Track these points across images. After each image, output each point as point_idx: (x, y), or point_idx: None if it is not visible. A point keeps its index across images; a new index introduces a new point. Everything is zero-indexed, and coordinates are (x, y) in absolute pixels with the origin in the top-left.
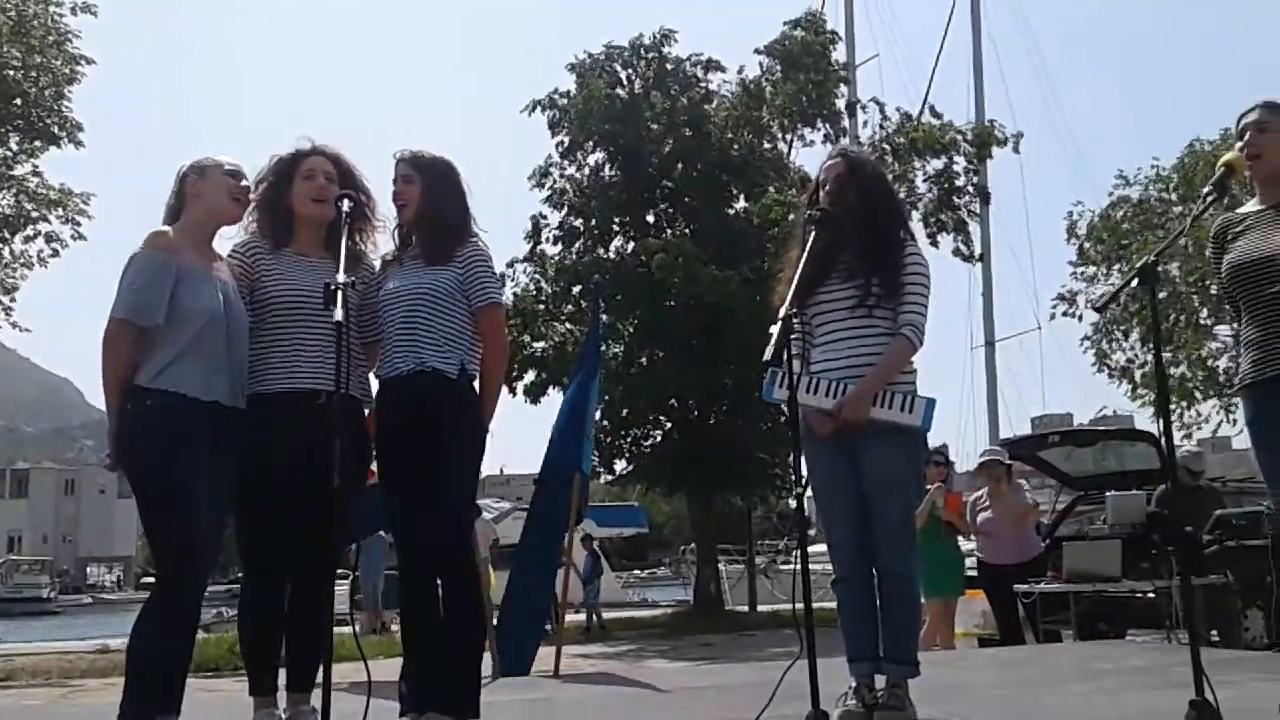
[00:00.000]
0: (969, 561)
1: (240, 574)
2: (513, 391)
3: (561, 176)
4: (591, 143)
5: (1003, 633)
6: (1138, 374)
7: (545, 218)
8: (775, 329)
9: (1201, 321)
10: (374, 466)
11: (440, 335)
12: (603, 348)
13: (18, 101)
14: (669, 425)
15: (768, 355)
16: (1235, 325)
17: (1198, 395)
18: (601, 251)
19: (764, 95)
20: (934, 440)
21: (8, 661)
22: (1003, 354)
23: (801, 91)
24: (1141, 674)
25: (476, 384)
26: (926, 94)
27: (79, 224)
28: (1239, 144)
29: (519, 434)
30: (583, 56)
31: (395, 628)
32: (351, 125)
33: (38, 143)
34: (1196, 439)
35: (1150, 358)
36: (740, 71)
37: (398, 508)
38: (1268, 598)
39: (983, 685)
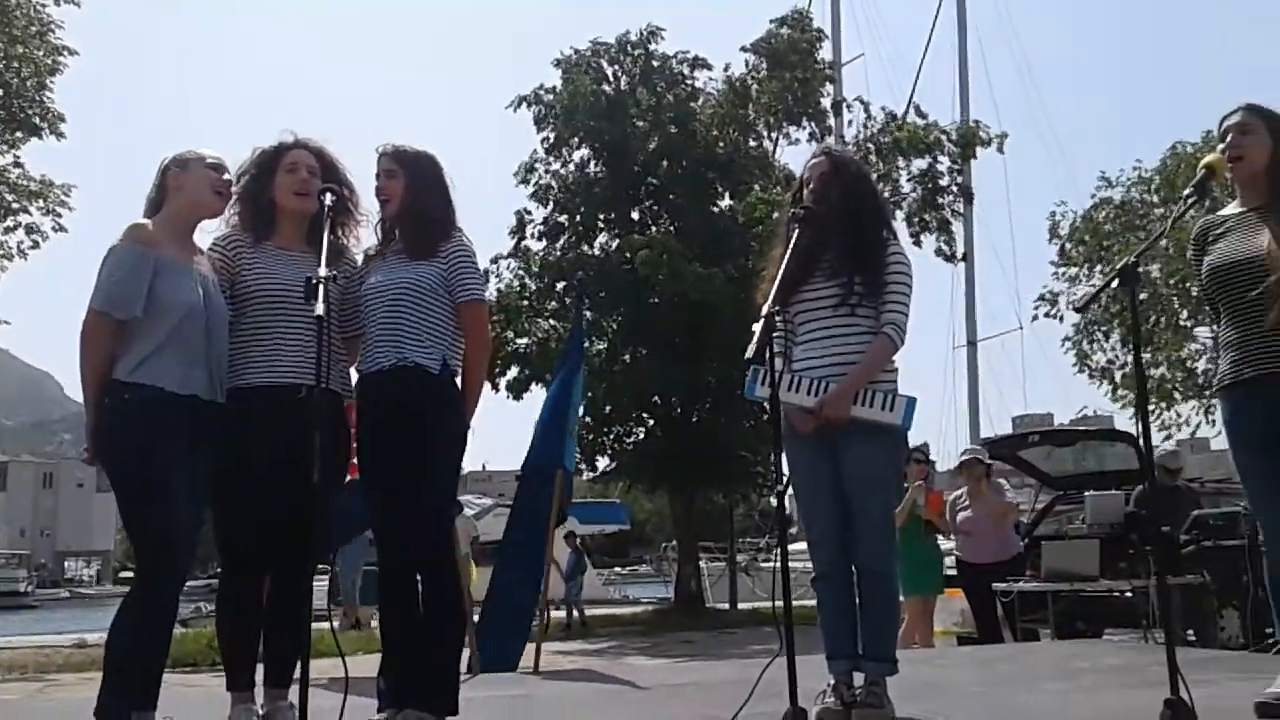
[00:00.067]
0: (948, 560)
1: (218, 569)
2: (495, 387)
3: (547, 172)
4: (577, 139)
5: (981, 631)
6: (1118, 375)
7: (530, 213)
8: (758, 327)
9: (1182, 323)
10: (354, 462)
11: (423, 330)
12: (586, 344)
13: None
14: (652, 422)
15: (750, 353)
16: (1215, 327)
17: (1177, 396)
18: (586, 248)
19: (750, 93)
20: (915, 439)
21: None
22: (984, 354)
23: (787, 90)
24: (1118, 673)
25: (459, 380)
26: (911, 94)
27: (60, 216)
28: (1221, 146)
29: (501, 430)
30: (569, 52)
31: (375, 624)
32: (336, 119)
33: (19, 133)
34: (1176, 440)
35: (1131, 358)
36: (726, 69)
37: (378, 503)
38: (1244, 598)
39: (961, 683)
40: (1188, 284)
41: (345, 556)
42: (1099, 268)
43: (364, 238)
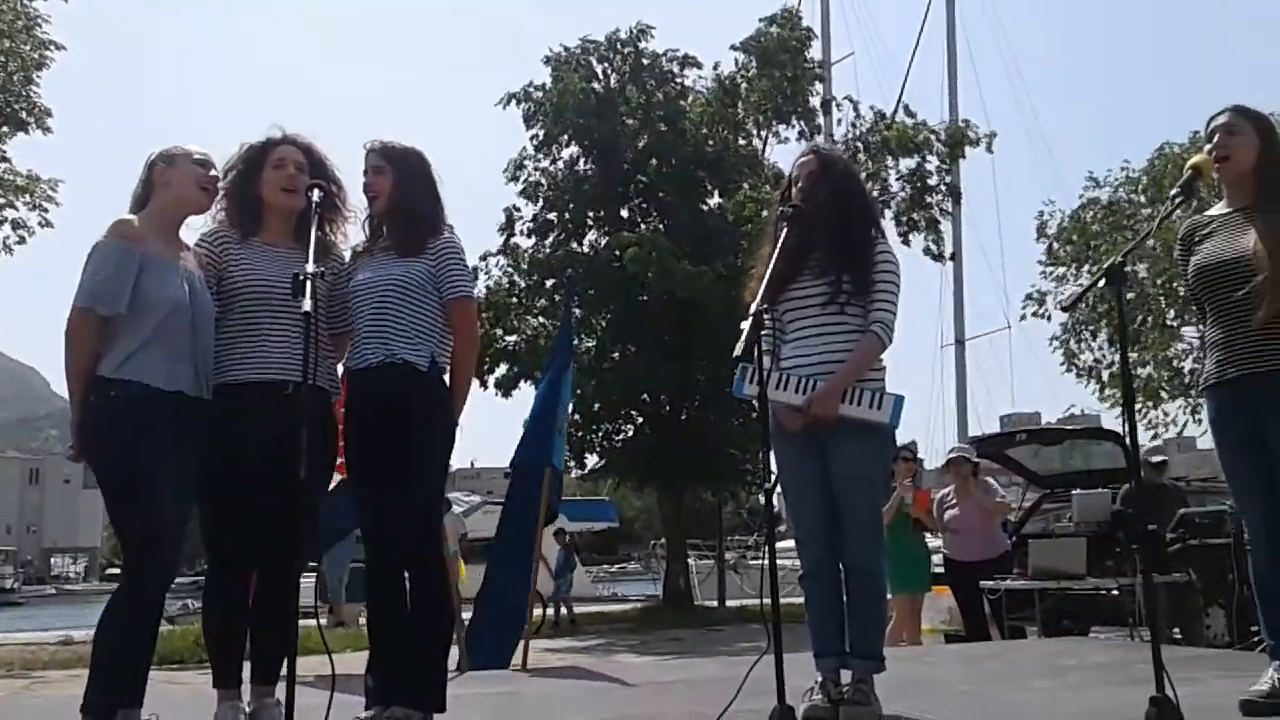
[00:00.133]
0: (935, 558)
1: (205, 566)
2: (484, 385)
3: (536, 169)
4: (566, 136)
5: (968, 629)
6: (1105, 374)
7: (519, 210)
8: (746, 325)
9: (1169, 322)
10: (340, 460)
11: (411, 327)
12: (575, 342)
13: None
14: (640, 420)
15: (738, 351)
16: (1201, 326)
17: (1164, 395)
18: (575, 245)
19: (739, 92)
20: (903, 437)
21: None
22: (972, 352)
23: (776, 88)
24: (1104, 671)
25: (447, 377)
26: (900, 93)
27: (46, 211)
28: (1208, 146)
29: (490, 427)
30: (558, 50)
31: (363, 621)
32: (336, 119)
33: (5, 128)
34: (1162, 439)
35: (1118, 358)
36: (716, 67)
37: (366, 500)
38: (1229, 596)
39: (948, 681)
40: (1175, 284)
41: (332, 554)
42: (1086, 267)
43: (352, 234)
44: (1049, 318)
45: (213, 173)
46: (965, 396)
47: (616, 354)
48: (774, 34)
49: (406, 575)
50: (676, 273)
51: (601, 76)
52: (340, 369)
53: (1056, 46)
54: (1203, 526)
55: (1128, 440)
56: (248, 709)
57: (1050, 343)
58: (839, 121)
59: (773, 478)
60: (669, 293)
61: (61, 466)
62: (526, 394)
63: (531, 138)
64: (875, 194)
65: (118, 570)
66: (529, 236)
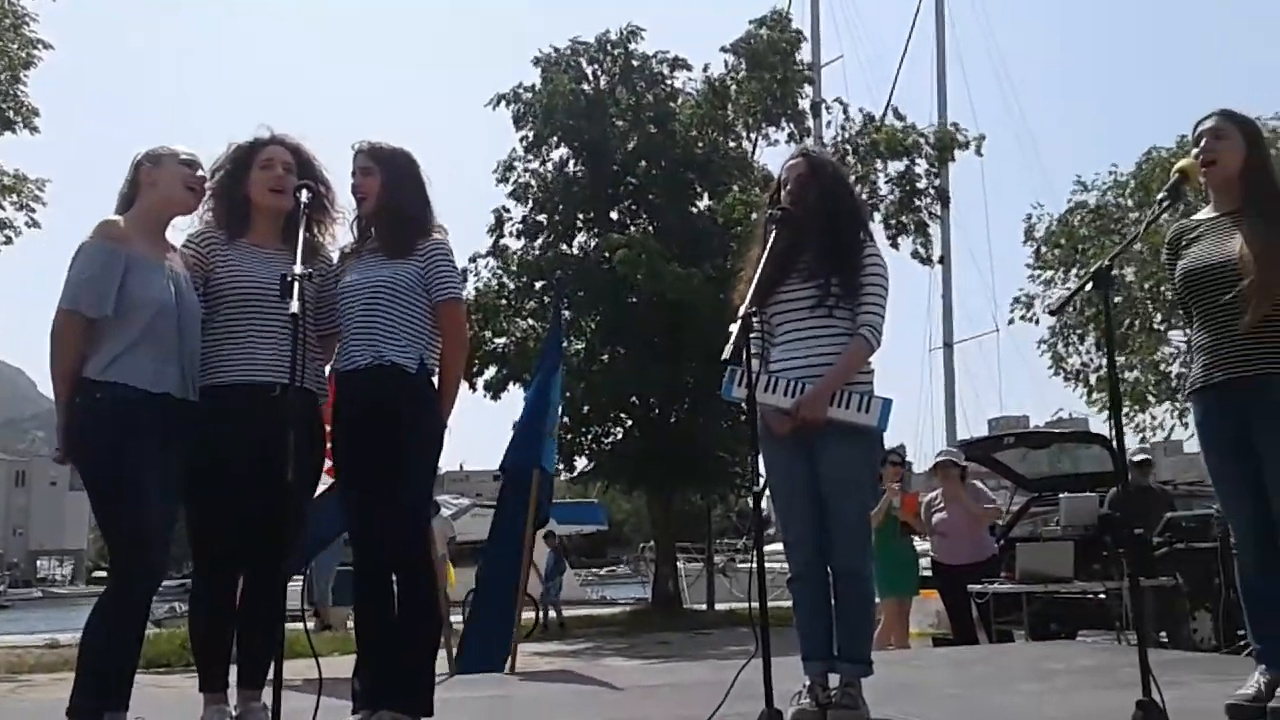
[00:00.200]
0: (923, 561)
1: (191, 569)
2: (473, 387)
3: (526, 171)
4: (556, 138)
5: (956, 633)
6: (1092, 377)
7: (508, 211)
8: (735, 328)
9: (1156, 326)
10: (328, 464)
11: (399, 329)
12: (564, 344)
13: None
14: (630, 423)
15: (727, 354)
16: (1188, 330)
17: (1151, 399)
18: (565, 247)
19: (729, 94)
20: (891, 440)
21: None
22: (961, 356)
23: (766, 91)
24: (1091, 674)
25: (435, 379)
26: (890, 96)
27: (34, 211)
28: (1195, 151)
29: (479, 430)
30: (548, 51)
31: (351, 624)
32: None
33: None
34: (1150, 443)
35: (1105, 361)
36: (706, 70)
37: (354, 502)
38: (1216, 600)
39: (936, 685)
40: (1162, 288)
41: (319, 558)
42: (1074, 271)
43: (340, 235)
44: (1037, 321)
45: (199, 173)
46: (954, 400)
47: (606, 356)
48: (763, 36)
49: (394, 578)
50: (666, 275)
51: (591, 78)
52: (327, 370)
53: (1046, 51)
54: (1189, 530)
55: (1114, 444)
56: (234, 713)
57: (1038, 346)
58: (828, 124)
59: (761, 481)
60: (658, 295)
61: (48, 469)
62: (515, 396)
63: (521, 139)
64: (864, 197)
65: (104, 573)
66: (518, 238)
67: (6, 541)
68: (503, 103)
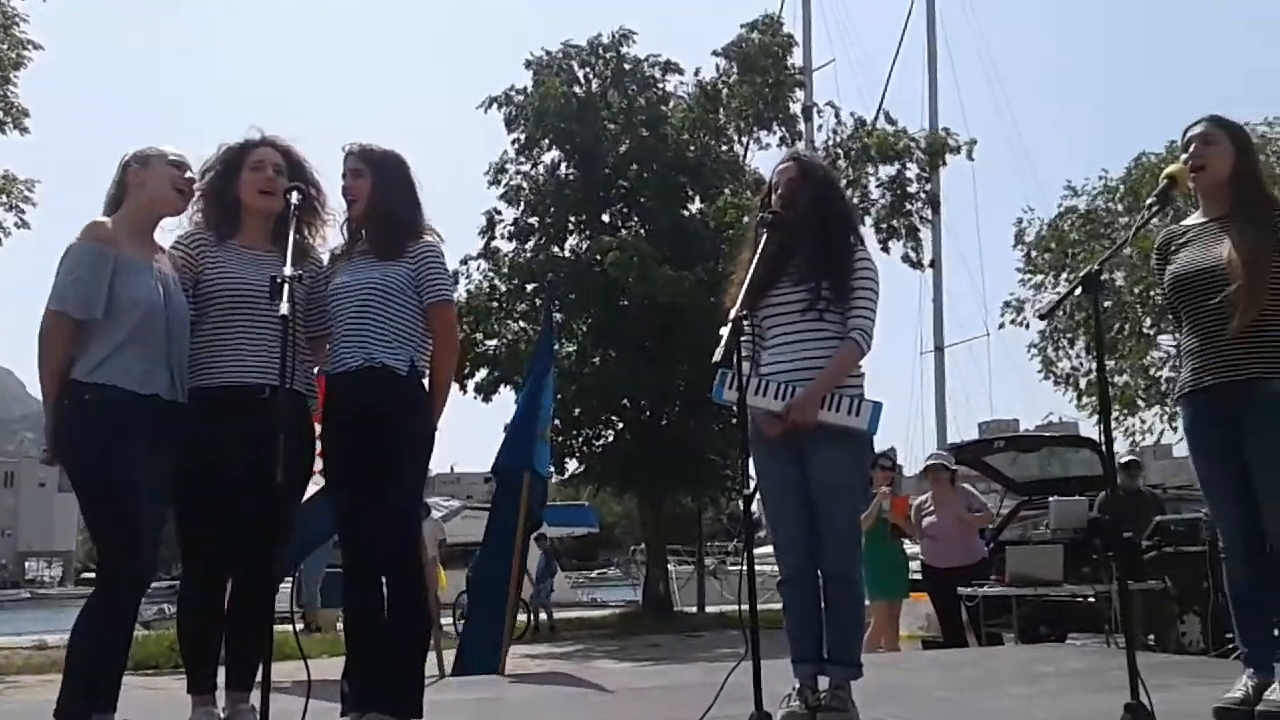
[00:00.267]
0: (913, 564)
1: (181, 570)
2: (463, 389)
3: (518, 173)
4: (548, 140)
5: (946, 635)
6: (1082, 381)
7: (500, 213)
8: (725, 331)
9: (1145, 331)
10: (318, 465)
11: (390, 331)
12: (555, 347)
13: None
14: (621, 425)
15: (717, 357)
16: (1177, 335)
17: (1140, 404)
18: (556, 250)
19: (720, 97)
20: (882, 443)
21: None
22: (951, 359)
23: (758, 94)
24: (1080, 677)
25: (426, 381)
26: (881, 100)
27: (23, 211)
28: (1184, 156)
29: (470, 432)
30: (540, 54)
31: (340, 627)
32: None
33: None
34: (1139, 447)
35: (1095, 365)
36: (697, 73)
37: (345, 505)
38: (1204, 603)
39: (925, 687)
40: (1152, 292)
41: (308, 560)
42: (1064, 275)
43: (330, 237)
44: (1027, 325)
45: (188, 174)
46: (944, 403)
47: (597, 359)
48: (755, 40)
49: (384, 580)
50: (657, 278)
51: (583, 81)
52: (315, 372)
53: (1037, 56)
54: (1178, 534)
55: (1104, 448)
56: (222, 714)
57: (1028, 350)
58: (820, 128)
59: (752, 484)
60: (650, 298)
61: (36, 470)
62: (507, 399)
63: (513, 141)
64: (855, 201)
65: (93, 575)
66: (510, 240)
67: None
68: (494, 105)
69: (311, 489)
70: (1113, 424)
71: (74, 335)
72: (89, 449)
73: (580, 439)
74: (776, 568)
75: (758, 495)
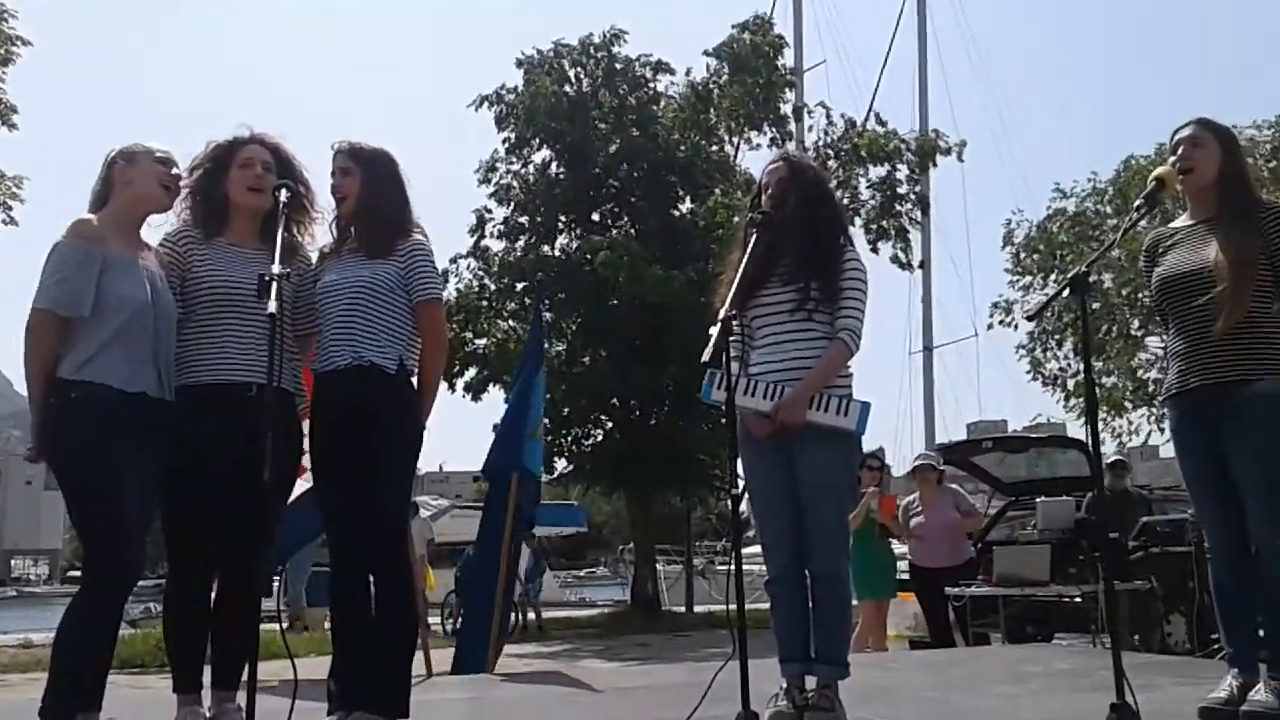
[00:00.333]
0: (901, 564)
1: (167, 568)
2: (452, 388)
3: (508, 172)
4: (538, 139)
5: (933, 635)
6: (1070, 383)
7: (490, 212)
8: (715, 330)
9: (1133, 333)
10: (305, 463)
11: (379, 330)
12: (545, 346)
13: None
14: (610, 425)
15: (706, 356)
16: (1164, 337)
17: (1128, 405)
18: (546, 249)
19: (711, 98)
20: (871, 443)
21: None
22: (940, 360)
23: (748, 95)
24: (1067, 677)
25: (415, 380)
26: (872, 101)
27: (10, 208)
28: (1172, 159)
29: (459, 431)
30: (530, 53)
31: (328, 625)
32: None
33: None
34: (1127, 448)
35: (1083, 367)
36: (688, 73)
37: (333, 503)
38: (1190, 603)
39: (912, 687)
40: (1139, 294)
41: (294, 559)
42: (1052, 277)
43: (319, 235)
44: (1016, 326)
45: (175, 171)
46: (933, 404)
47: (587, 358)
48: (746, 40)
49: (371, 579)
50: (647, 277)
51: (574, 80)
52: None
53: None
54: (1164, 535)
55: (1091, 448)
56: (208, 713)
57: (1017, 351)
58: (810, 129)
59: (740, 483)
60: (639, 297)
61: (23, 467)
62: (496, 398)
63: (503, 140)
64: (845, 202)
65: (79, 573)
66: (500, 239)
67: None
68: (485, 104)
69: (299, 489)
70: (1100, 425)
71: (61, 333)
72: (75, 447)
73: (569, 438)
74: (765, 567)
75: (746, 495)
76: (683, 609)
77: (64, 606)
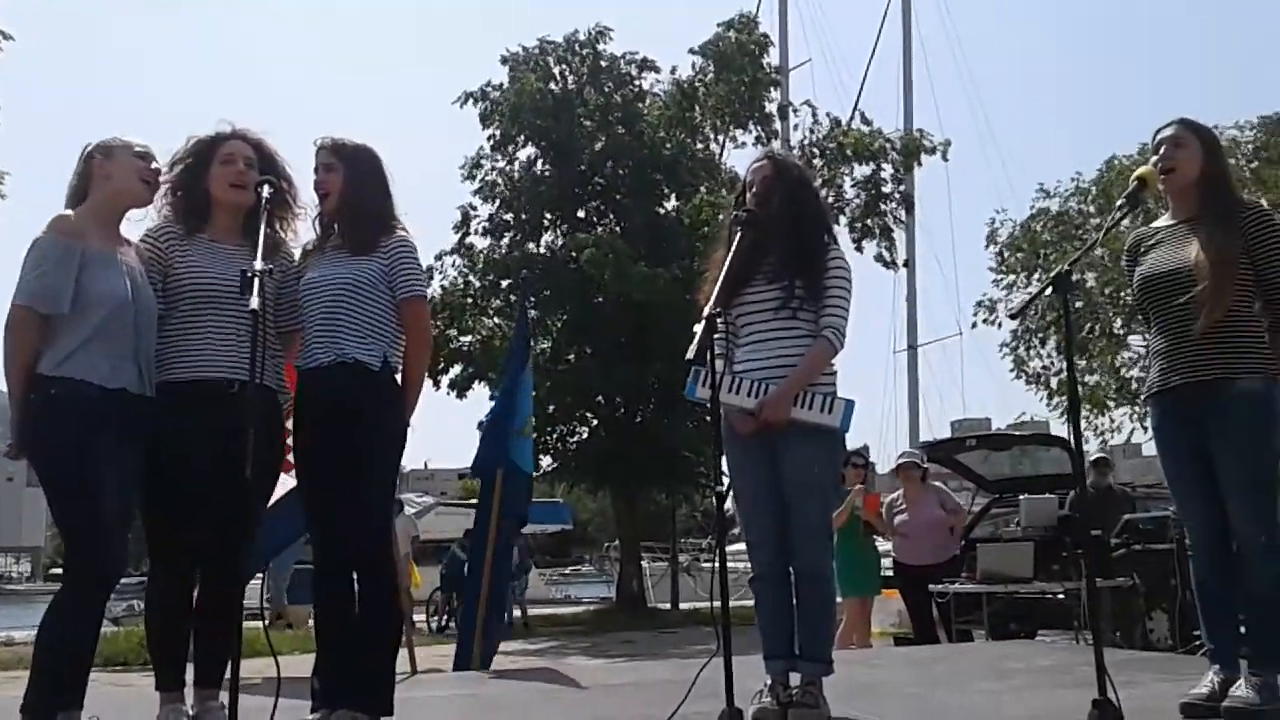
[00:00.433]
0: (885, 561)
1: (149, 566)
2: (437, 385)
3: (493, 169)
4: (523, 137)
5: (917, 632)
6: (1053, 381)
7: (475, 209)
8: (699, 328)
9: (1116, 331)
10: (289, 459)
11: (363, 326)
12: (530, 343)
13: None
14: (595, 422)
15: (691, 354)
16: (1147, 336)
17: (1111, 404)
18: (531, 246)
19: (697, 96)
20: (855, 441)
21: None
22: (924, 358)
23: (734, 93)
24: (1049, 673)
25: (399, 376)
26: (857, 100)
27: None
28: (1154, 158)
29: (444, 428)
30: (516, 49)
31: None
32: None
33: None
34: (1109, 446)
35: (1065, 365)
36: (674, 71)
37: (316, 500)
38: (1172, 600)
39: (895, 684)
40: (1122, 293)
41: (278, 557)
42: (1036, 276)
43: (302, 232)
44: (999, 325)
45: (154, 165)
46: (917, 401)
47: (572, 356)
48: (732, 39)
49: (355, 577)
50: (632, 275)
51: (559, 77)
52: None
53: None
54: (1146, 532)
55: (1074, 446)
56: (190, 712)
57: (1000, 349)
58: (796, 127)
59: (725, 481)
60: (624, 295)
61: (4, 464)
62: (481, 395)
63: (488, 137)
64: (830, 200)
65: (61, 570)
66: (485, 236)
67: None
68: (470, 100)
69: (281, 489)
70: (1083, 423)
71: (40, 329)
72: (56, 444)
73: (555, 435)
74: (749, 564)
75: (731, 492)
76: (668, 606)
77: (46, 604)
